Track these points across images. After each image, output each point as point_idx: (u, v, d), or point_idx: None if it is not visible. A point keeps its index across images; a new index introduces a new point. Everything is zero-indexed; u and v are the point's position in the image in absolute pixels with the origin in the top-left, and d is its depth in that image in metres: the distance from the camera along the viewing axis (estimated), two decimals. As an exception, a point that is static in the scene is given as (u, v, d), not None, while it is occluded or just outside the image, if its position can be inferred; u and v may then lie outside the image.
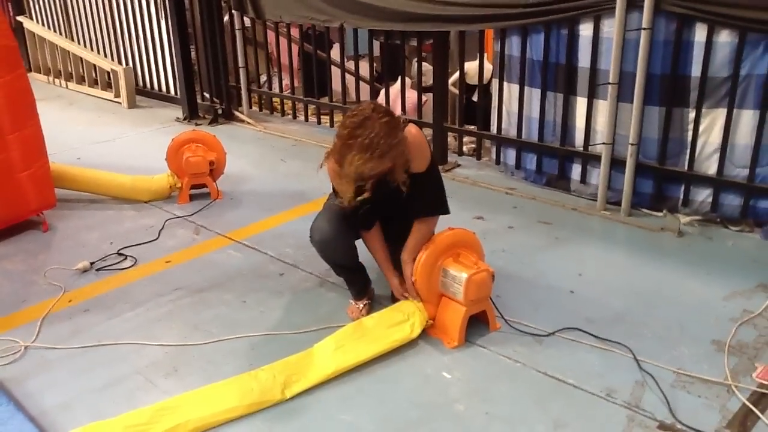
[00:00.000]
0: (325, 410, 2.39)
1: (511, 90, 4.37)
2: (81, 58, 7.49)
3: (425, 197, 2.77)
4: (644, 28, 3.55)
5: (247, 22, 6.12)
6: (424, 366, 2.63)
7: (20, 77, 3.88)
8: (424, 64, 5.24)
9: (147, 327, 2.94)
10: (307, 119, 5.95)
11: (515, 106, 4.36)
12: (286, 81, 6.39)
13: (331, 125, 5.80)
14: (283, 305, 3.11)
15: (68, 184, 4.29)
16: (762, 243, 3.59)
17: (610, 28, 3.71)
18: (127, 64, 7.11)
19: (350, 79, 6.25)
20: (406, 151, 2.57)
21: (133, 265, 3.52)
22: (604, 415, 2.32)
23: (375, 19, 4.82)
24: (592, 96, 3.95)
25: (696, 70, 3.56)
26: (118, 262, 3.55)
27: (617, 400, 2.40)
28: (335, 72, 5.87)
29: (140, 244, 3.75)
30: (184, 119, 6.24)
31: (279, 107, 6.25)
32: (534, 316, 2.91)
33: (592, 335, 2.77)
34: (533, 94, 4.25)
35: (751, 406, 2.33)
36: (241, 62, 6.01)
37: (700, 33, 3.49)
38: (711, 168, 3.70)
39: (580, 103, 4.04)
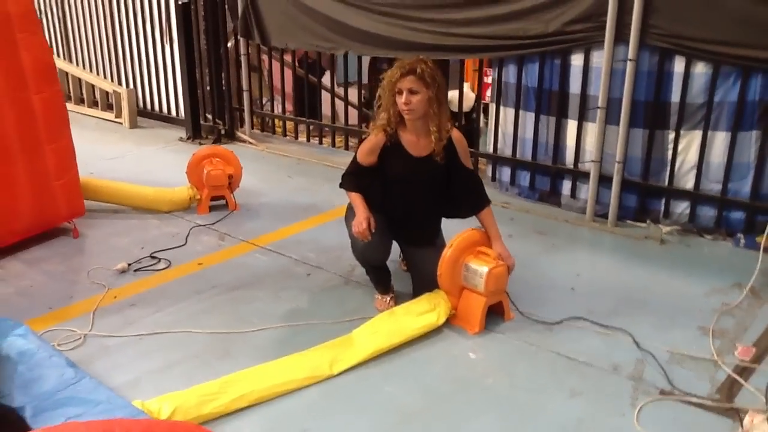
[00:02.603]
0: (370, 384, 2.71)
1: (506, 113, 4.80)
2: (80, 80, 7.73)
3: (481, 192, 3.30)
4: (630, 60, 4.02)
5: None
6: (451, 349, 2.97)
7: (57, 92, 4.16)
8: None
9: (193, 318, 3.23)
10: (309, 140, 6.29)
11: (510, 128, 4.79)
12: (285, 105, 6.75)
13: (333, 145, 6.16)
14: (314, 300, 3.43)
15: (93, 195, 4.54)
16: (734, 250, 4.04)
17: (600, 59, 4.17)
18: (127, 85, 7.38)
19: (340, 104, 6.67)
20: (445, 107, 3.14)
21: (167, 267, 3.80)
22: (613, 385, 2.69)
23: (379, 47, 5.23)
24: (582, 119, 4.40)
25: (675, 97, 4.03)
26: (153, 264, 3.82)
27: (622, 373, 2.77)
28: (327, 97, 6.25)
29: (170, 248, 4.02)
30: (188, 139, 6.53)
31: (281, 129, 6.58)
32: (542, 309, 3.28)
33: (595, 323, 3.15)
34: (527, 117, 4.68)
35: (736, 377, 2.73)
36: (245, 86, 6.35)
37: (679, 64, 3.97)
38: (689, 183, 4.15)
39: (571, 126, 4.48)
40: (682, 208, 4.20)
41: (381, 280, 3.34)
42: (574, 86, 4.39)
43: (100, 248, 4.06)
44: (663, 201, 4.26)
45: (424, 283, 3.26)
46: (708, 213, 4.13)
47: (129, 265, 3.77)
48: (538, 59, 4.49)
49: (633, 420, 2.47)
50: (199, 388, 2.56)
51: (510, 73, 4.69)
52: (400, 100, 3.04)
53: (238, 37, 6.25)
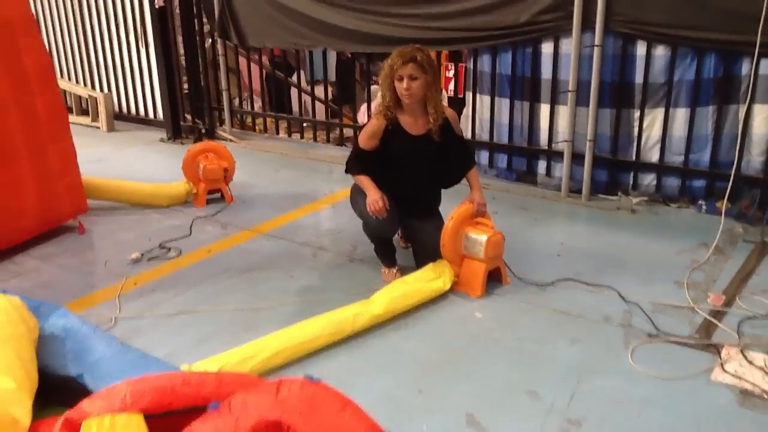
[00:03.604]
0: (390, 343, 2.99)
1: (482, 101, 5.14)
2: (51, 87, 7.77)
3: (470, 154, 3.76)
4: (596, 45, 4.39)
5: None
6: (458, 311, 3.28)
7: (58, 95, 4.34)
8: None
9: (214, 298, 3.45)
10: (290, 135, 6.52)
11: (487, 114, 5.12)
12: (259, 103, 6.97)
13: (315, 140, 6.40)
14: (324, 277, 3.68)
15: (93, 193, 4.68)
16: (697, 215, 4.46)
17: (568, 45, 4.52)
18: (101, 90, 7.47)
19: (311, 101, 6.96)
20: (440, 90, 3.49)
21: (179, 255, 4.00)
22: (607, 333, 3.03)
23: (356, 42, 5.50)
24: (554, 102, 4.76)
25: (639, 78, 4.42)
26: (164, 253, 4.02)
27: (613, 323, 3.11)
28: (298, 95, 6.53)
29: (177, 239, 4.22)
30: (169, 139, 6.68)
31: (261, 126, 6.80)
32: (534, 273, 3.61)
33: (583, 282, 3.50)
34: (503, 104, 5.02)
35: (711, 319, 3.10)
36: (224, 85, 6.54)
37: (641, 48, 4.36)
38: (654, 156, 4.55)
39: (544, 109, 4.83)
40: (649, 179, 4.60)
41: (387, 254, 3.62)
42: (546, 72, 4.74)
43: (109, 242, 4.23)
44: (631, 174, 4.65)
45: (426, 254, 3.55)
46: (672, 183, 4.53)
47: (142, 254, 3.96)
48: (511, 48, 4.83)
49: (628, 359, 2.81)
50: (238, 349, 2.78)
51: (485, 62, 5.02)
52: (401, 85, 3.32)
53: (215, 38, 6.44)
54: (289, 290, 3.52)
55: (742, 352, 2.81)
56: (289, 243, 4.16)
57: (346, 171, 3.59)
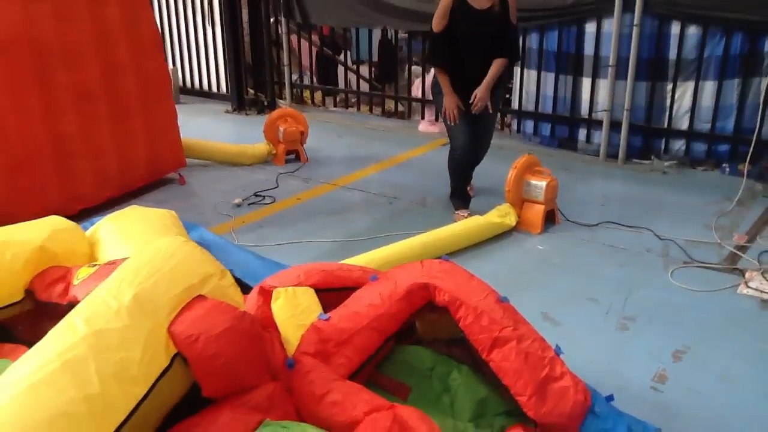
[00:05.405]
0: (471, 266, 3.54)
1: (529, 74, 5.74)
2: (118, 62, 8.43)
3: (511, 44, 4.11)
4: (635, 25, 4.98)
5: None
6: (523, 244, 3.91)
7: (164, 60, 4.97)
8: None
9: (314, 232, 4.09)
10: (347, 107, 7.16)
11: (533, 86, 5.73)
12: (312, 79, 7.61)
13: (370, 111, 7.04)
14: (402, 219, 4.32)
15: (187, 152, 5.30)
16: (721, 176, 5.07)
17: (610, 25, 5.12)
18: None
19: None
20: None
21: (273, 201, 4.64)
22: (649, 259, 3.66)
23: (414, 21, 6.10)
24: (595, 76, 5.36)
25: (672, 54, 5.02)
26: (260, 200, 4.66)
27: (654, 253, 3.74)
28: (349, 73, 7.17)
29: (268, 189, 4.86)
30: (234, 110, 7.32)
31: (319, 101, 7.44)
32: (582, 218, 4.23)
33: (624, 225, 4.12)
34: (548, 77, 5.63)
35: (736, 251, 3.72)
36: (285, 61, 7.17)
37: (675, 27, 4.96)
38: (684, 124, 5.16)
39: (586, 82, 5.44)
40: (678, 144, 5.20)
41: (463, 195, 4.25)
42: (588, 49, 5.34)
43: (209, 191, 4.88)
44: (663, 140, 5.26)
45: (485, 141, 4.29)
46: (700, 148, 5.14)
47: (243, 200, 4.60)
48: (557, 27, 5.43)
49: (668, 277, 3.44)
50: (348, 261, 3.41)
51: (533, 40, 5.62)
52: None
53: (279, 18, 7.07)
54: (374, 227, 4.16)
55: (762, 274, 3.44)
56: (365, 193, 4.80)
57: (428, 62, 4.17)
